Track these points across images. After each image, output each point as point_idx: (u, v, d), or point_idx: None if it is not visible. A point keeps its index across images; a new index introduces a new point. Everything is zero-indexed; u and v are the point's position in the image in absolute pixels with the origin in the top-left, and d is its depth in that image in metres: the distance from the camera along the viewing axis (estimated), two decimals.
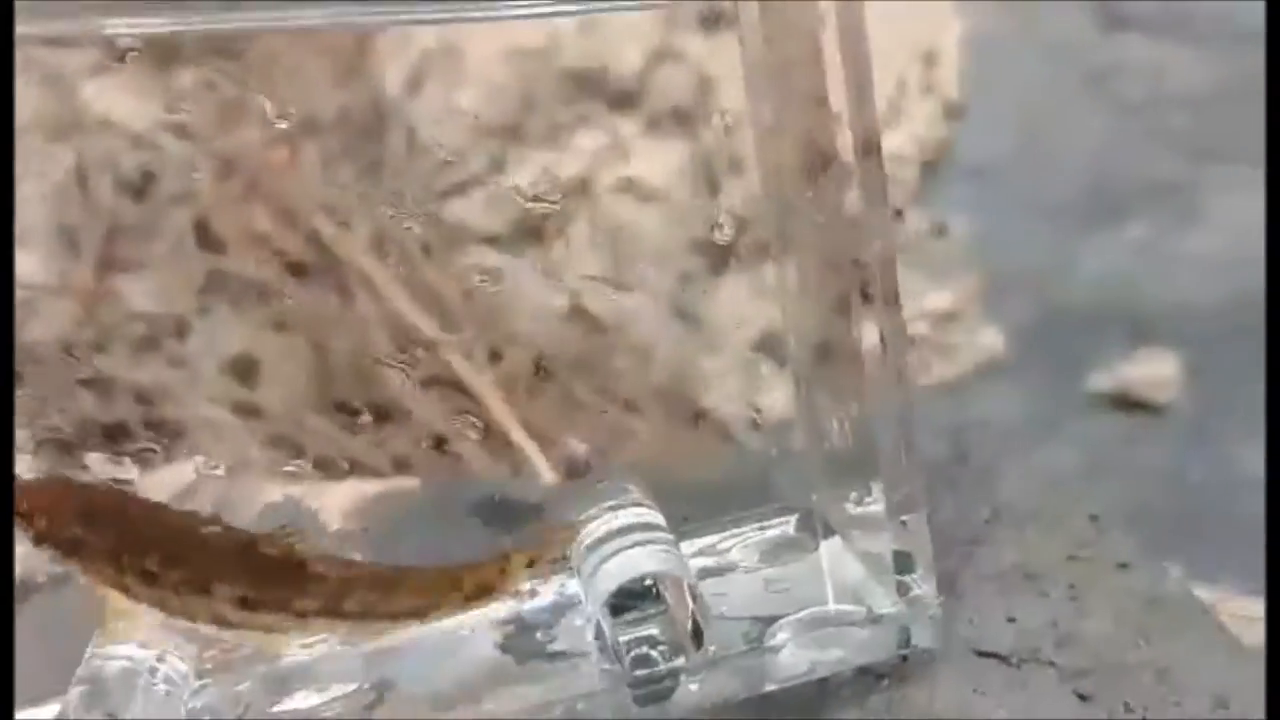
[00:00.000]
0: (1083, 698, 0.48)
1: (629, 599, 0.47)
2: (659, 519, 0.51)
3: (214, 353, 0.90)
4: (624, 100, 1.09)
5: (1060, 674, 0.50)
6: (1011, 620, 0.53)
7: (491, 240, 1.09)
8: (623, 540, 0.49)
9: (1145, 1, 1.11)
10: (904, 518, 0.48)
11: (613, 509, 0.51)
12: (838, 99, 0.47)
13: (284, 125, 0.89)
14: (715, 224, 0.66)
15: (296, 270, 0.94)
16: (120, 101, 0.90)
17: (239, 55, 0.84)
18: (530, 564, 0.53)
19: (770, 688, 0.47)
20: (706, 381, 0.87)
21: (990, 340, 0.93)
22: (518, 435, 0.90)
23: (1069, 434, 0.89)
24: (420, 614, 0.51)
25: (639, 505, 0.51)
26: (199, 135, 0.90)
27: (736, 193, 0.94)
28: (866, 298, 0.48)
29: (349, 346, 0.92)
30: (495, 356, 1.01)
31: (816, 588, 0.51)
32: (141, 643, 0.46)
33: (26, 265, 0.96)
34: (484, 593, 0.52)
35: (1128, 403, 0.91)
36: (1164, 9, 1.12)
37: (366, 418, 0.83)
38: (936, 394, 0.88)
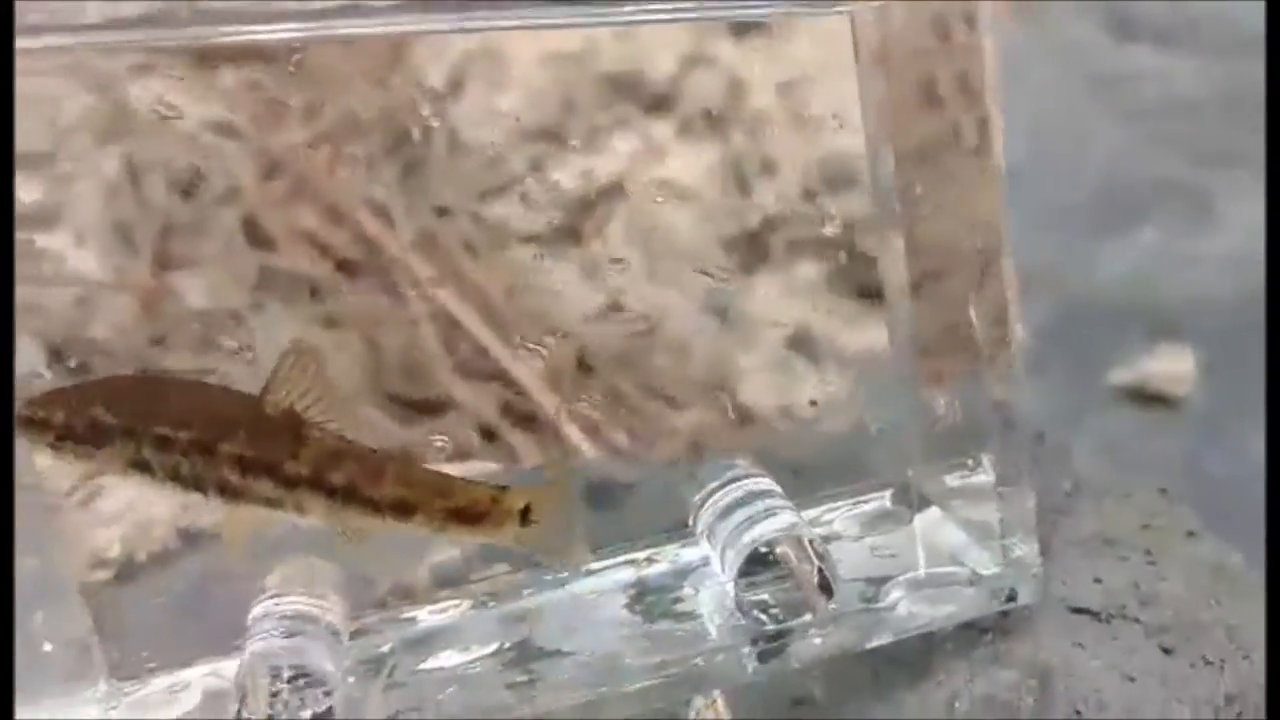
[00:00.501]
0: (1166, 650, 0.52)
1: (757, 562, 0.50)
2: (776, 487, 0.54)
3: (269, 348, 0.93)
4: (658, 104, 1.12)
5: (1145, 629, 0.54)
6: (1098, 581, 0.57)
7: (531, 239, 1.12)
8: (750, 508, 0.53)
9: (1154, 4, 1.15)
10: (1010, 488, 0.52)
11: (733, 480, 0.55)
12: (956, 92, 0.51)
13: (325, 126, 0.92)
14: (826, 216, 0.70)
15: (345, 267, 0.97)
16: (167, 101, 0.92)
17: (278, 57, 0.86)
18: (525, 511, 0.53)
19: (885, 640, 0.50)
20: (743, 377, 0.90)
21: (1016, 337, 0.97)
22: (566, 427, 0.93)
23: (1090, 426, 0.93)
24: (402, 511, 0.52)
25: (754, 475, 0.55)
26: (244, 135, 0.92)
27: (768, 192, 0.97)
28: (983, 284, 0.52)
29: (399, 342, 0.95)
30: (539, 352, 1.04)
31: (919, 552, 0.55)
32: (302, 594, 0.48)
33: (85, 263, 0.98)
34: (469, 515, 0.53)
35: (1146, 396, 0.95)
36: (1173, 18, 1.17)
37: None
38: None
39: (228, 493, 0.52)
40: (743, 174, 1.00)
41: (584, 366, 1.09)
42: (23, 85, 0.71)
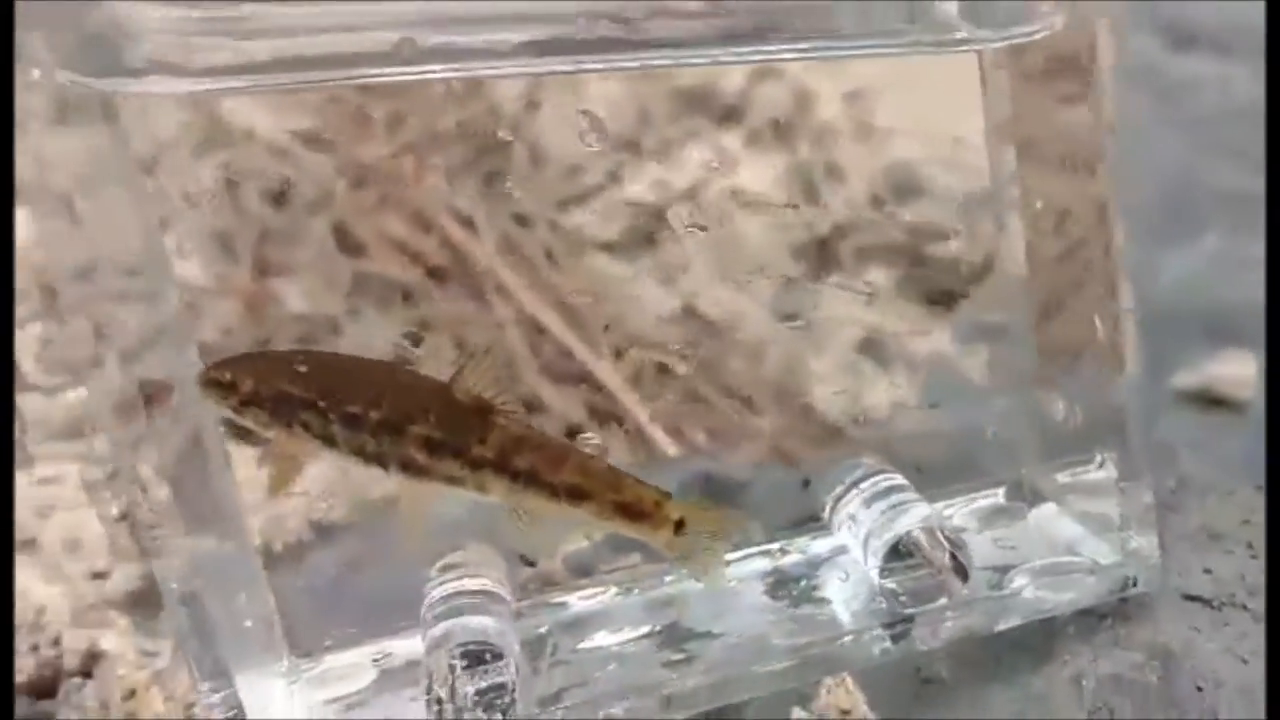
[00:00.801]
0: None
1: (898, 551, 0.54)
2: (906, 482, 0.59)
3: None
4: (728, 115, 1.15)
5: (1253, 616, 0.57)
6: (1208, 571, 0.60)
7: (609, 247, 1.16)
8: (887, 501, 0.57)
9: (1207, 12, 1.17)
10: (1130, 483, 0.56)
11: (866, 477, 0.59)
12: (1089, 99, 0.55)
13: (408, 137, 0.96)
14: (953, 230, 0.74)
15: (435, 274, 1.01)
16: (255, 115, 0.96)
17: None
18: (680, 521, 0.57)
19: (1012, 623, 0.54)
20: (814, 381, 0.93)
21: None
22: (650, 428, 0.97)
23: (1159, 428, 0.95)
24: (576, 497, 0.57)
25: (886, 472, 0.59)
26: (330, 146, 0.97)
27: (837, 200, 1.00)
28: (1111, 291, 0.56)
29: (487, 345, 0.98)
30: (619, 355, 1.08)
31: (1040, 544, 0.59)
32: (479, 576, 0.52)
33: (188, 270, 1.03)
34: (633, 511, 0.57)
35: (1210, 400, 0.97)
36: (1227, 26, 1.19)
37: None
38: None
39: (411, 470, 0.55)
40: (811, 182, 1.03)
41: (663, 370, 1.12)
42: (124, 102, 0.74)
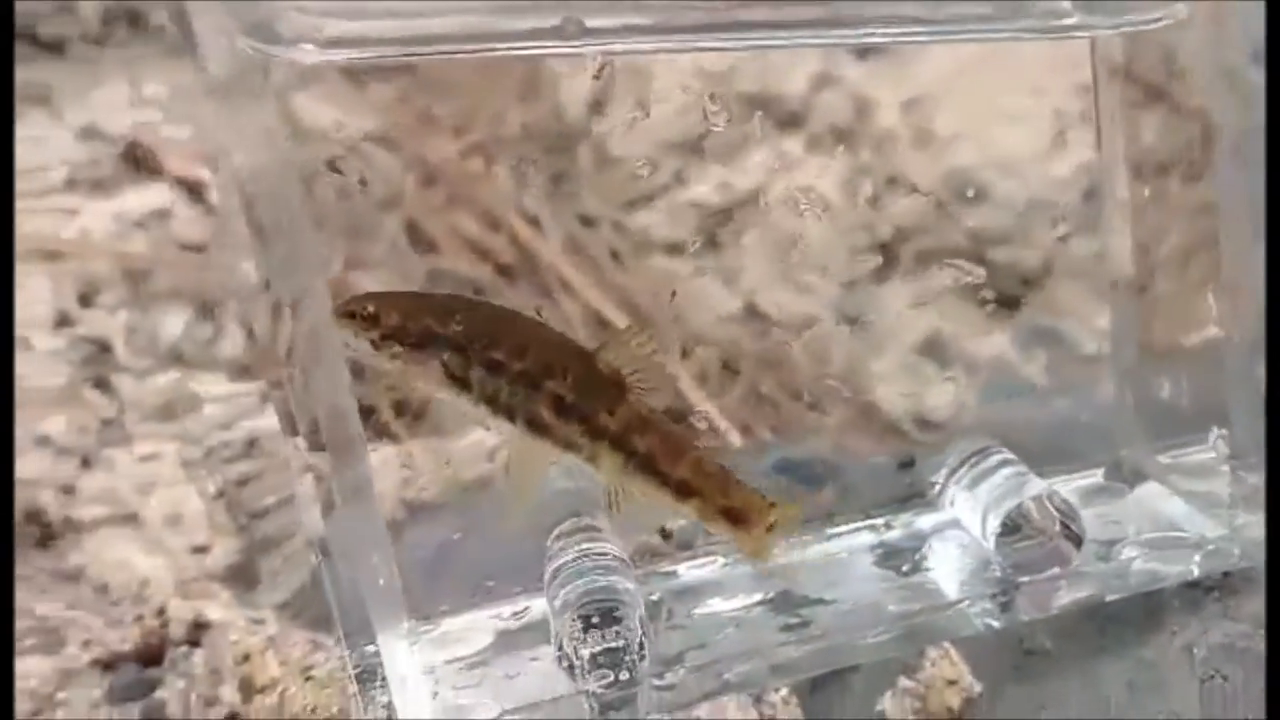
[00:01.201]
0: None
1: (1012, 523, 0.56)
2: (1015, 457, 0.60)
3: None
4: (790, 120, 1.17)
5: None
6: None
7: (673, 248, 1.18)
8: (999, 474, 0.59)
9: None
10: (1241, 461, 0.57)
11: (979, 452, 0.61)
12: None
13: (475, 138, 0.98)
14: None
15: (504, 271, 1.03)
16: (325, 113, 0.98)
17: (423, 71, 0.92)
18: (771, 524, 0.56)
19: (1123, 594, 0.55)
20: (876, 381, 0.95)
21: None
22: (721, 422, 0.98)
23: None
24: (684, 493, 0.55)
25: (994, 448, 0.61)
26: (400, 145, 0.99)
27: (897, 204, 1.02)
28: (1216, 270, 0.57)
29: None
30: (685, 354, 1.10)
31: (1145, 520, 0.60)
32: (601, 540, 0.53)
33: None
34: (737, 515, 0.56)
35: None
36: None
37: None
38: None
39: (534, 427, 0.55)
40: (873, 186, 1.05)
41: (728, 368, 1.14)
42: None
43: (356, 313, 0.53)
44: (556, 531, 0.56)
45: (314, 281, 0.54)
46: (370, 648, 0.47)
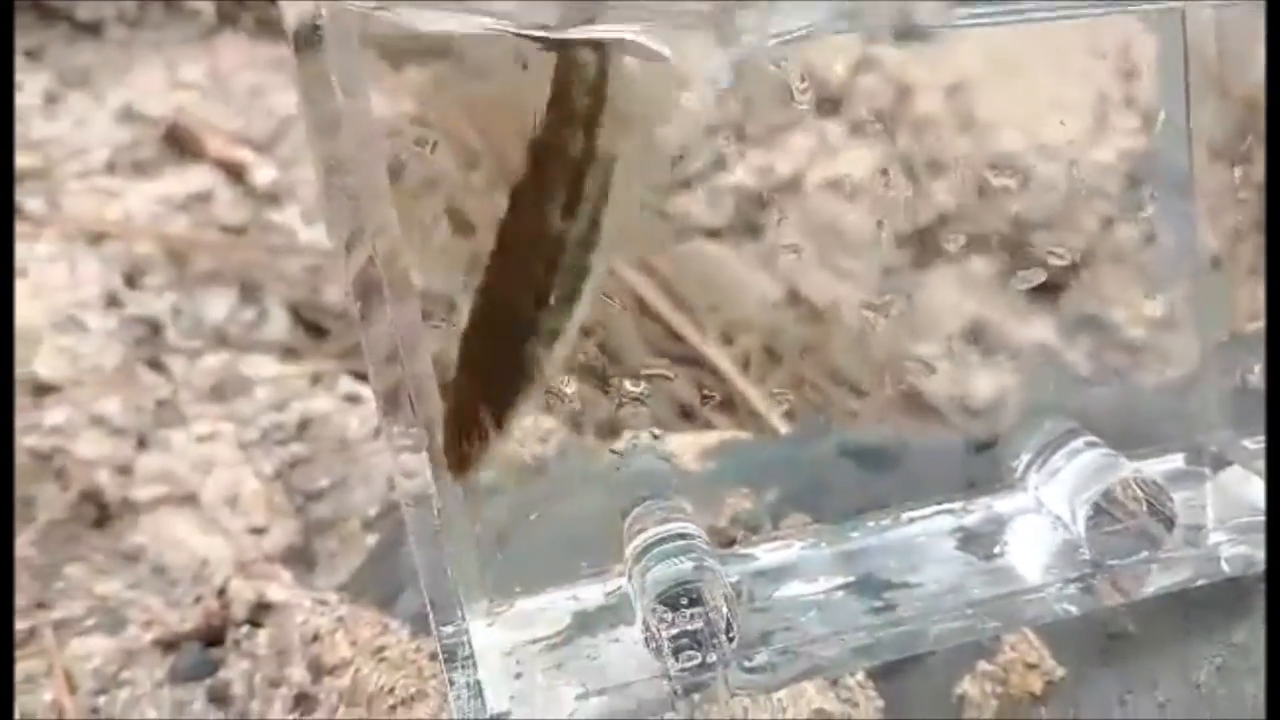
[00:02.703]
0: None
1: (1102, 505, 0.56)
2: (1100, 440, 0.60)
3: None
4: (830, 106, 1.16)
5: None
6: None
7: (713, 233, 1.18)
8: (1086, 456, 0.58)
9: None
10: None
11: (1064, 435, 0.60)
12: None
13: (514, 122, 0.97)
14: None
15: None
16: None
17: (459, 56, 0.92)
18: None
19: (1215, 578, 0.55)
20: (919, 367, 0.94)
21: None
22: (761, 405, 0.98)
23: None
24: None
25: (1079, 431, 0.61)
26: (439, 127, 0.98)
27: (939, 190, 1.01)
28: None
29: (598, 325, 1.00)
30: (727, 339, 1.09)
31: (1230, 504, 0.59)
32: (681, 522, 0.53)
33: (318, 234, 1.05)
34: None
35: None
36: None
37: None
38: None
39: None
40: (914, 171, 1.04)
41: (770, 353, 1.14)
42: (244, 77, 0.75)
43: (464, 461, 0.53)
44: (635, 513, 0.56)
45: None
46: (454, 626, 0.47)
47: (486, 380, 0.54)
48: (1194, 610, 0.56)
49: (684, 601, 0.48)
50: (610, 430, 0.76)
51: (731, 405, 1.04)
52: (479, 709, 0.46)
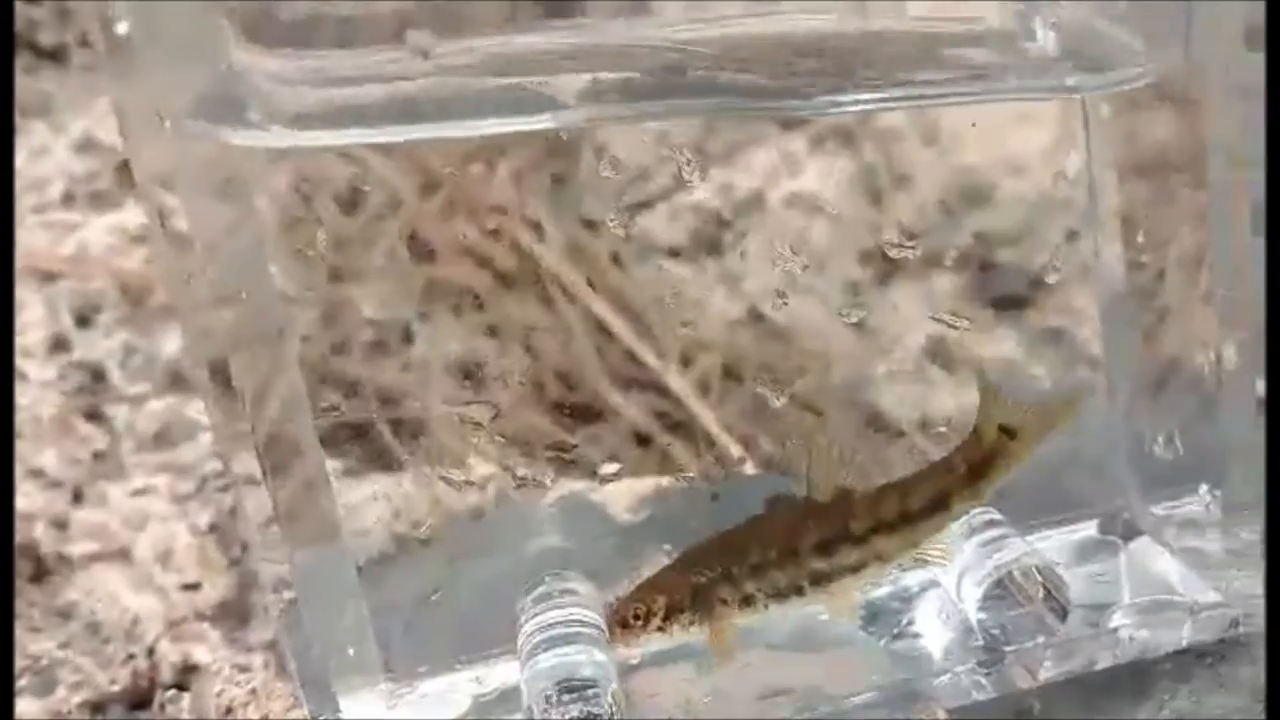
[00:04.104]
0: None
1: (994, 588, 0.55)
2: (1000, 516, 0.59)
3: (439, 357, 0.98)
4: (792, 120, 1.15)
5: None
6: None
7: (675, 253, 1.17)
8: (982, 536, 0.58)
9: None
10: (1236, 518, 0.56)
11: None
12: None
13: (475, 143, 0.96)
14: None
15: (504, 279, 1.02)
16: None
17: None
18: (1010, 434, 0.60)
19: (1110, 663, 0.54)
20: (880, 387, 0.93)
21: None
22: (721, 435, 0.97)
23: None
24: (943, 504, 0.60)
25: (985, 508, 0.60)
26: (398, 152, 0.98)
27: (902, 207, 1.00)
28: (1226, 323, 0.55)
29: (555, 351, 1.00)
30: (687, 363, 1.08)
31: (1137, 581, 0.59)
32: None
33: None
34: (982, 465, 0.60)
35: None
36: None
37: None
38: None
39: (822, 581, 0.59)
40: (877, 188, 1.03)
41: (731, 376, 1.13)
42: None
43: (630, 618, 0.55)
44: (532, 595, 0.56)
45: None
46: (336, 716, 0.47)
47: (671, 588, 0.58)
48: (1102, 693, 0.55)
49: (566, 694, 0.48)
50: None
51: (690, 432, 1.04)
52: None
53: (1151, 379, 0.64)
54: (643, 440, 0.97)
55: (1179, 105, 0.68)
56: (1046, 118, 0.97)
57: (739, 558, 0.59)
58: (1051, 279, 0.92)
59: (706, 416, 1.02)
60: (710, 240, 1.14)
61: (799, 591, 0.59)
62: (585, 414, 0.96)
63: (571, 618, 0.53)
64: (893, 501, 0.60)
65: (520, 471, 0.71)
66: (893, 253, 0.79)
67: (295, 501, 0.53)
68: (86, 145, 1.08)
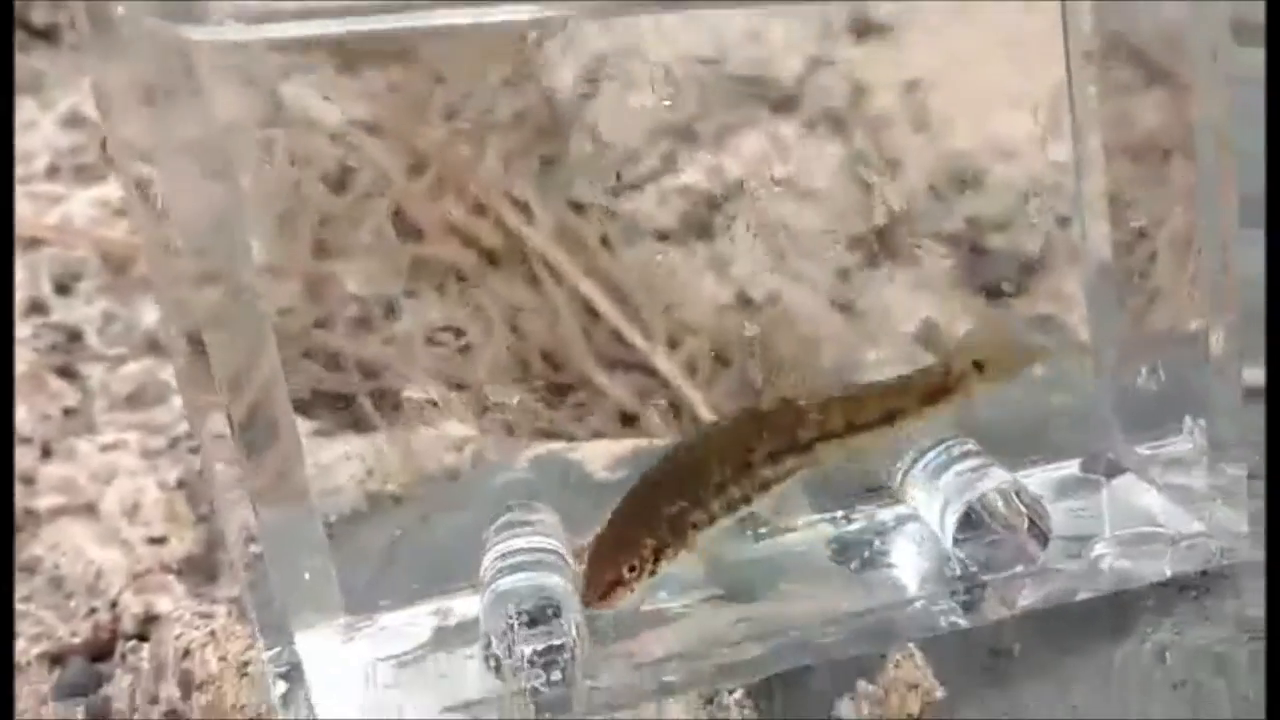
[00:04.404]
0: None
1: (973, 516, 0.54)
2: (978, 447, 0.58)
3: (423, 332, 0.97)
4: (784, 104, 1.14)
5: None
6: None
7: (664, 235, 1.16)
8: (962, 466, 0.57)
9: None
10: (1221, 453, 0.55)
11: (939, 442, 0.59)
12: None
13: (465, 125, 0.96)
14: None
15: (490, 258, 1.02)
16: (315, 101, 0.97)
17: (416, 59, 0.91)
18: (979, 368, 0.62)
19: (1092, 593, 0.53)
20: (871, 370, 0.92)
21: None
22: (706, 412, 0.96)
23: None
24: (890, 419, 0.61)
25: (956, 437, 0.59)
26: (388, 133, 0.97)
27: (891, 190, 1.00)
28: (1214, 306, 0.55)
29: (542, 329, 0.99)
30: (674, 343, 1.08)
31: (1120, 514, 0.58)
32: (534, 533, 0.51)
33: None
34: (942, 391, 0.62)
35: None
36: None
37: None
38: None
39: (767, 487, 0.59)
40: (867, 171, 1.03)
41: (720, 359, 1.12)
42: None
43: (618, 580, 0.54)
44: (496, 524, 0.55)
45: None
46: (289, 647, 0.46)
47: (650, 529, 0.56)
48: (1081, 628, 0.54)
49: (526, 618, 0.47)
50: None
51: (677, 412, 1.03)
52: None
53: (1133, 318, 0.64)
54: (628, 419, 0.97)
55: (1168, 90, 0.68)
56: (1034, 102, 0.97)
57: (702, 479, 0.57)
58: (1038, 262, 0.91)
59: (694, 397, 1.02)
60: (700, 223, 1.14)
61: (747, 501, 0.58)
62: (569, 390, 0.95)
63: (535, 545, 0.52)
64: (838, 414, 0.61)
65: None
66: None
67: (264, 461, 0.52)
68: (73, 120, 1.08)
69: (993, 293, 0.97)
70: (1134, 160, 0.73)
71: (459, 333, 0.91)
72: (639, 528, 0.55)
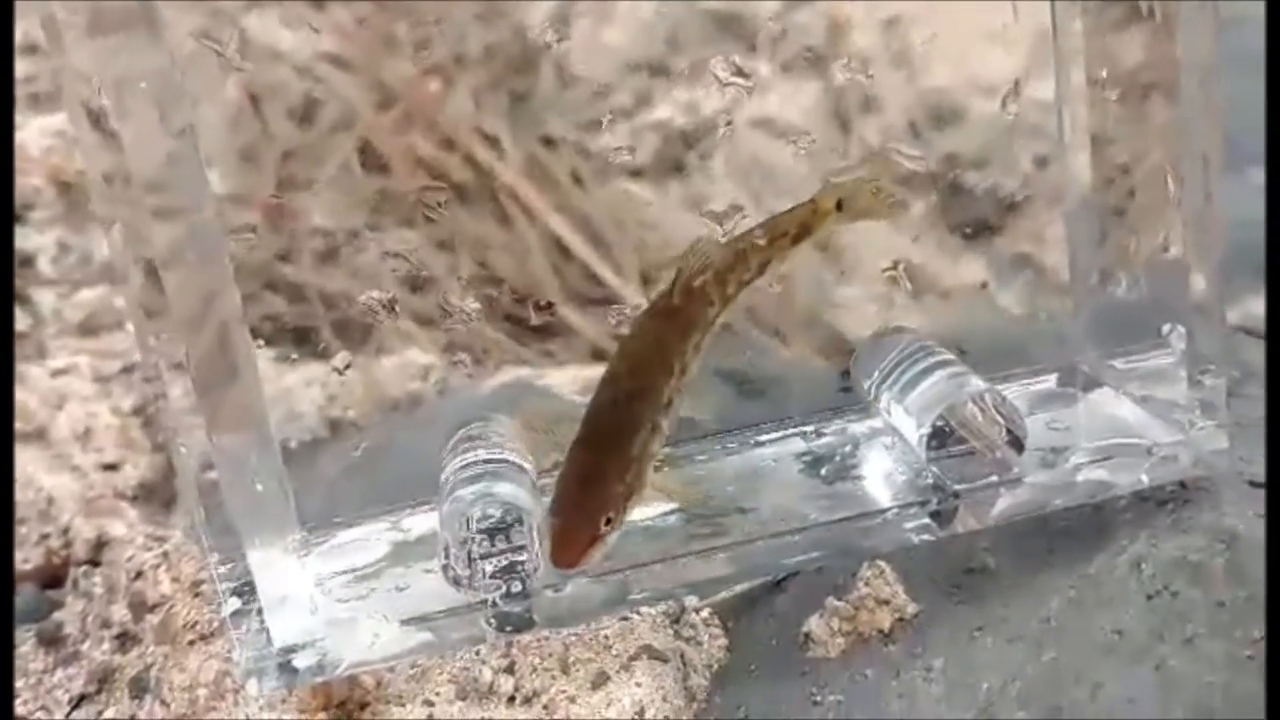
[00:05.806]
0: None
1: (948, 425, 0.53)
2: (953, 356, 0.57)
3: (389, 267, 0.95)
4: (760, 41, 1.12)
5: None
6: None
7: (637, 173, 1.14)
8: (936, 375, 0.55)
9: None
10: (1201, 366, 0.54)
11: (913, 351, 0.58)
12: None
13: (434, 58, 0.94)
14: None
15: (458, 193, 1.00)
16: (280, 34, 0.95)
17: None
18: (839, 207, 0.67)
19: (1068, 503, 0.52)
20: (843, 311, 0.91)
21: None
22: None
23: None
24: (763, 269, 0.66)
25: (930, 346, 0.58)
26: (356, 67, 0.95)
27: (870, 129, 0.98)
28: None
29: (512, 265, 0.97)
30: (647, 281, 1.06)
31: (1096, 426, 0.57)
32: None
33: (212, 179, 1.01)
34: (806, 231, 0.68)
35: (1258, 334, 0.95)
36: None
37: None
38: None
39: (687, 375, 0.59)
40: (845, 110, 1.01)
41: None
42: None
43: (595, 539, 0.51)
44: (455, 437, 0.53)
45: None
46: (242, 564, 0.45)
47: (604, 486, 0.53)
48: (1057, 543, 0.53)
49: (484, 529, 0.45)
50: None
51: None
52: (262, 644, 0.43)
53: (1114, 228, 0.63)
54: (599, 355, 0.95)
55: (1151, 25, 0.67)
56: (1016, 37, 0.95)
57: (652, 400, 0.56)
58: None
59: None
60: (674, 161, 1.12)
61: (679, 392, 0.58)
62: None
63: (494, 456, 0.51)
64: (732, 279, 0.65)
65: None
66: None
67: (221, 392, 0.50)
68: (26, 49, 1.04)
69: (967, 232, 0.96)
70: (1119, 99, 0.72)
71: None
72: (607, 475, 0.52)
